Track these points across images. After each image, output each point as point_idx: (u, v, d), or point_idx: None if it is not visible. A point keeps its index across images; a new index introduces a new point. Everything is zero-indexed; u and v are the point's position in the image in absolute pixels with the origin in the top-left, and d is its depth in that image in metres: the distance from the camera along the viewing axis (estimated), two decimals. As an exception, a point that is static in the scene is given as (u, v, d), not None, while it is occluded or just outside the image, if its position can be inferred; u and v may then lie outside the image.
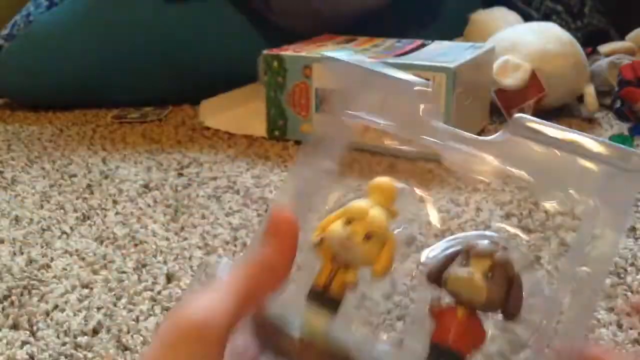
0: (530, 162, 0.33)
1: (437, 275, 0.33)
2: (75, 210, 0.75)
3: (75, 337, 0.51)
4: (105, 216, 0.74)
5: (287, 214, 0.31)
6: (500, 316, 0.32)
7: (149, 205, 0.76)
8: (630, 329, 0.51)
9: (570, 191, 0.32)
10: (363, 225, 0.32)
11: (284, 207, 0.31)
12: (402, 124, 0.34)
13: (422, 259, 0.36)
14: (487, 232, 0.37)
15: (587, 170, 0.31)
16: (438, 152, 0.34)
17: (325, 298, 0.33)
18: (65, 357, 0.49)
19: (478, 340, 0.32)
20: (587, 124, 1.05)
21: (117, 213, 0.75)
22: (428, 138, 0.34)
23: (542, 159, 0.32)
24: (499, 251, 0.32)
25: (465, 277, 0.32)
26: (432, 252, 0.36)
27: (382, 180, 0.34)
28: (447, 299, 0.33)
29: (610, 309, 0.53)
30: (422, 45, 0.97)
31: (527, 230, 0.65)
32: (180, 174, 0.86)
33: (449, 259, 0.34)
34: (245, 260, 0.30)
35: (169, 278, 0.60)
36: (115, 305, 0.55)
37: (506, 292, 0.32)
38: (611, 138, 0.91)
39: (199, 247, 0.65)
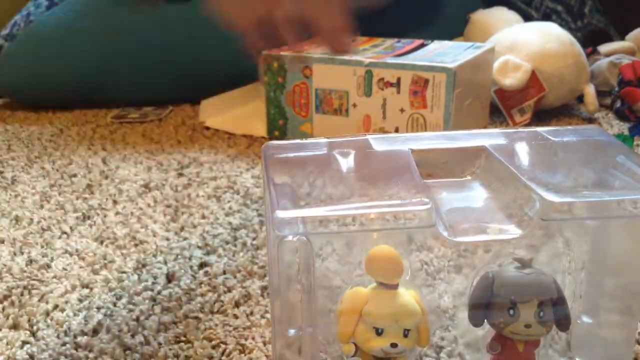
0: None
1: (481, 320, 0.35)
2: (75, 210, 0.75)
3: (75, 337, 0.51)
4: (105, 216, 0.74)
5: None
6: None
7: (149, 205, 0.76)
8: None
9: None
10: (397, 332, 0.32)
11: None
12: None
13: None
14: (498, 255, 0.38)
15: None
16: None
17: None
18: (65, 357, 0.49)
19: (536, 348, 0.35)
20: (587, 124, 1.05)
21: (117, 213, 0.75)
22: None
23: None
24: (542, 290, 0.33)
25: (523, 329, 0.33)
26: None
27: (383, 256, 0.33)
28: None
29: (610, 309, 0.53)
30: (422, 45, 0.97)
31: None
32: (180, 174, 0.86)
33: (482, 297, 0.34)
34: None
35: (169, 278, 0.60)
36: (115, 305, 0.55)
37: (555, 312, 0.34)
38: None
39: (199, 247, 0.65)
